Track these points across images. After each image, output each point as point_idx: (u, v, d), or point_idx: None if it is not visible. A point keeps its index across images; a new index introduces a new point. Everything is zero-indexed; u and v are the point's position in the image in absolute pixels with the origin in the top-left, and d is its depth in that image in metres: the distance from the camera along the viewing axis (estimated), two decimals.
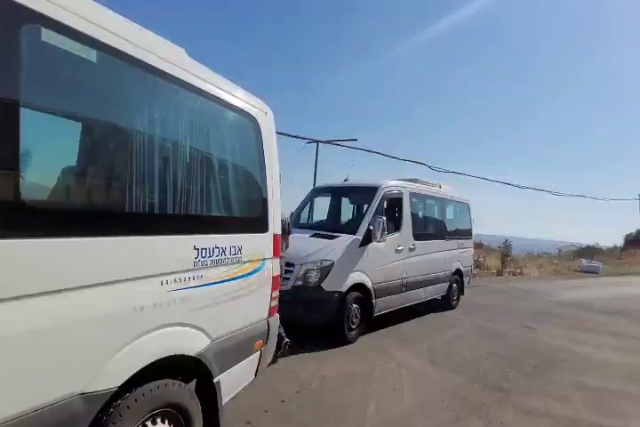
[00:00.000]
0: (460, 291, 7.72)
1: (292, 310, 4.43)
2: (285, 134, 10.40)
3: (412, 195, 6.10)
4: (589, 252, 36.99)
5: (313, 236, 5.07)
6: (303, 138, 10.81)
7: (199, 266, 1.86)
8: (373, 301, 5.05)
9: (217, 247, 1.97)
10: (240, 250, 2.15)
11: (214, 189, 2.06)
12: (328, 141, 11.83)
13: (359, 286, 4.82)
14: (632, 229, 45.86)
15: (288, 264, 4.56)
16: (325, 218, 6.39)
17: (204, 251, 1.87)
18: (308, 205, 6.34)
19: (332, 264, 4.50)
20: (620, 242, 45.61)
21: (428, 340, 5.23)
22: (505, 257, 17.10)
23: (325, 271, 4.46)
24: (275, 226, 2.52)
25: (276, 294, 2.59)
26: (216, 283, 1.96)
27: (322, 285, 4.43)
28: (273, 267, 2.51)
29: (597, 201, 30.57)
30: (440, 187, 7.34)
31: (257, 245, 2.35)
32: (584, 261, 26.62)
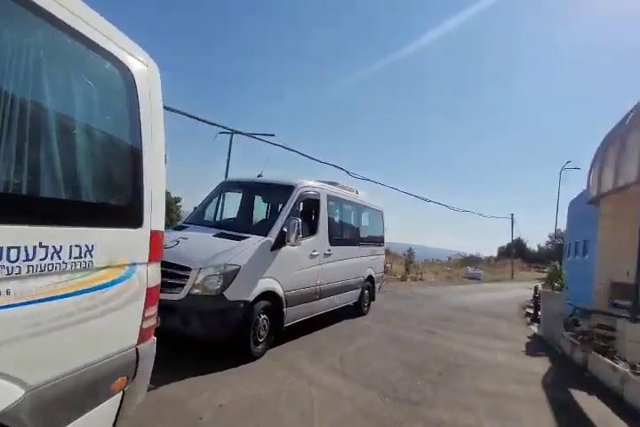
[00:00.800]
0: (371, 297, 7.70)
1: (185, 323, 3.71)
2: (201, 120, 9.33)
3: (330, 198, 5.82)
4: (472, 260, 42.35)
5: (218, 236, 4.39)
6: (218, 126, 9.86)
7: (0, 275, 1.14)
8: (285, 310, 4.55)
9: (42, 246, 1.27)
10: (90, 251, 1.45)
11: (46, 157, 1.36)
12: (243, 133, 11.06)
13: (269, 294, 4.28)
14: (504, 243, 54.03)
15: (182, 268, 3.82)
16: (234, 216, 5.73)
17: (11, 251, 1.17)
18: (216, 201, 5.60)
19: (239, 269, 3.89)
20: (494, 253, 53.36)
21: (340, 350, 4.92)
22: (409, 264, 18.25)
23: (230, 277, 3.83)
24: (155, 219, 1.85)
25: (153, 311, 1.92)
26: (38, 301, 1.25)
27: (225, 293, 3.78)
28: (149, 275, 1.84)
29: (481, 217, 35.32)
30: (357, 193, 7.26)
31: (122, 244, 1.66)
32: (469, 269, 30.17)
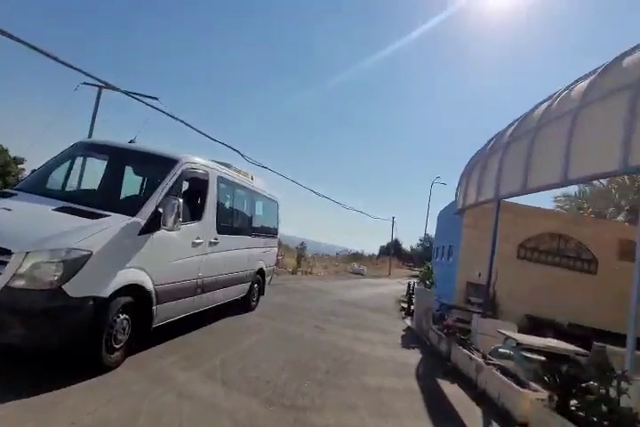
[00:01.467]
0: (261, 291, 7.21)
1: (1, 327, 2.66)
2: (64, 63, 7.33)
3: (222, 180, 5.12)
4: (357, 257, 45.64)
5: (60, 210, 3.31)
6: (85, 74, 7.92)
7: None
8: (154, 307, 3.71)
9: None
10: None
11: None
12: (115, 88, 9.22)
13: (133, 288, 3.42)
14: (384, 242, 59.78)
15: None
16: (90, 188, 4.56)
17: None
18: (66, 166, 4.33)
19: (89, 256, 2.94)
20: (376, 251, 58.64)
21: (222, 353, 4.29)
22: (300, 257, 18.34)
23: (74, 267, 2.86)
24: None
25: None
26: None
27: (65, 287, 2.81)
28: None
29: (368, 217, 38.28)
30: (252, 179, 6.69)
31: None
32: (355, 265, 32.24)
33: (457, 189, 9.69)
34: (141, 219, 3.51)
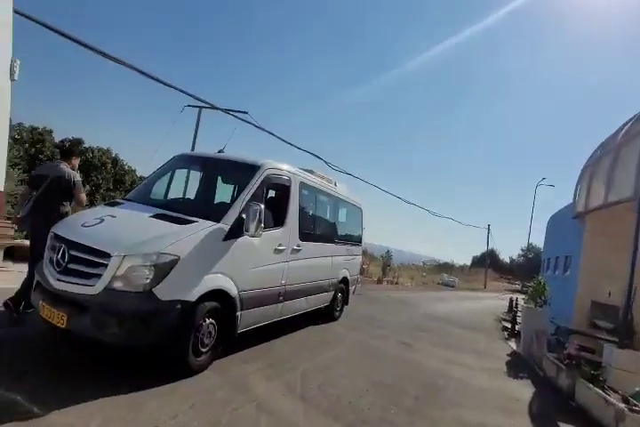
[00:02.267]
0: (345, 301, 6.97)
1: (100, 326, 2.85)
2: (170, 85, 8.27)
3: (304, 186, 5.05)
4: (446, 267, 42.62)
5: (156, 216, 3.51)
6: (187, 94, 8.78)
7: None
8: (238, 313, 3.73)
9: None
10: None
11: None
12: (212, 107, 10.05)
13: (218, 294, 3.46)
14: (478, 252, 54.85)
15: (100, 254, 2.96)
16: (183, 196, 4.85)
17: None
18: (166, 177, 4.69)
19: (177, 261, 3.04)
20: (468, 261, 54.09)
21: (303, 364, 4.14)
22: (386, 266, 17.69)
23: (164, 270, 2.98)
24: None
25: None
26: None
27: (155, 290, 2.93)
28: None
29: (459, 225, 35.46)
30: (335, 184, 6.52)
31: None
32: (445, 276, 30.07)
33: (576, 188, 8.21)
34: (225, 225, 3.55)
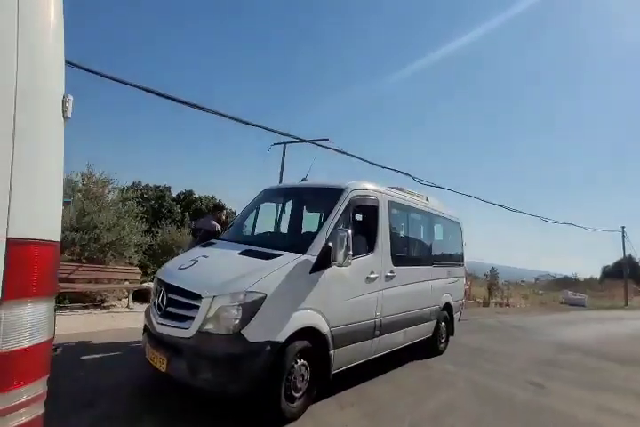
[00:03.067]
0: (450, 331, 6.13)
1: (193, 370, 2.77)
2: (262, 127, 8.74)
3: (393, 205, 4.60)
4: (568, 282, 36.38)
5: (243, 253, 3.44)
6: (271, 130, 9.12)
7: None
8: (331, 352, 3.40)
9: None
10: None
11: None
12: (295, 141, 10.30)
13: (309, 332, 3.18)
14: (609, 261, 45.86)
15: (192, 296, 2.93)
16: (269, 230, 4.79)
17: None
18: (255, 214, 4.72)
19: (263, 299, 2.86)
20: (596, 273, 45.47)
21: (408, 412, 3.57)
22: (492, 286, 15.74)
23: (251, 310, 2.82)
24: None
25: None
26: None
27: (244, 332, 2.77)
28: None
29: (581, 231, 30.06)
30: (427, 200, 5.91)
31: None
32: (569, 293, 25.61)
33: None
34: (311, 256, 3.30)
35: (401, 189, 5.22)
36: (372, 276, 3.95)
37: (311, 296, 3.23)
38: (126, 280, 7.64)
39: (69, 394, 3.11)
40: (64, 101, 1.32)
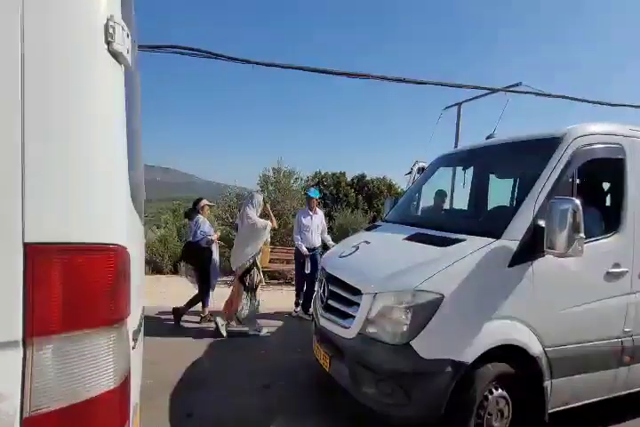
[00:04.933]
0: None
1: (355, 380, 2.26)
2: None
3: None
4: None
5: (409, 238, 2.63)
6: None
7: None
8: (547, 383, 2.28)
9: None
10: None
11: None
12: (484, 92, 8.14)
13: (510, 351, 2.19)
14: None
15: (352, 290, 2.38)
16: (445, 207, 3.72)
17: None
18: (426, 189, 3.70)
19: (440, 301, 2.03)
20: None
21: None
22: None
23: (422, 315, 2.04)
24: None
25: None
26: None
27: (413, 343, 2.04)
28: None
29: None
30: None
31: None
32: None
33: None
34: (510, 240, 2.21)
35: None
36: (616, 270, 2.50)
37: (512, 300, 2.18)
38: None
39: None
40: (107, 28, 0.78)
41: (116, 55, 0.80)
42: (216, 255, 4.79)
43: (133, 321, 1.02)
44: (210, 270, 4.66)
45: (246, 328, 4.39)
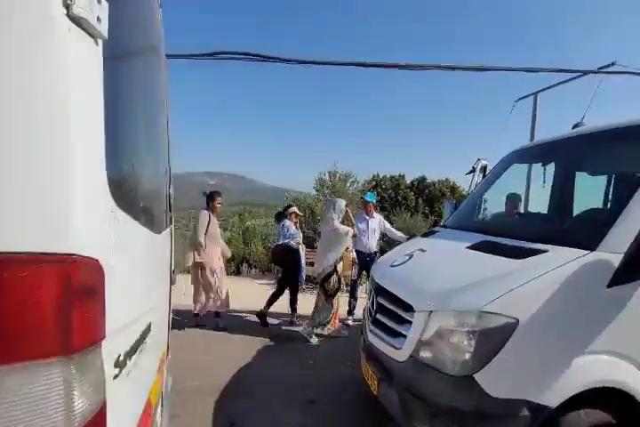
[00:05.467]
0: None
1: (405, 411, 1.97)
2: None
3: None
4: None
5: (474, 247, 2.24)
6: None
7: None
8: None
9: None
10: None
11: None
12: (556, 84, 7.14)
13: (609, 395, 1.71)
14: None
15: (402, 305, 2.08)
16: (519, 211, 3.17)
17: None
18: (496, 190, 3.19)
19: (514, 327, 1.65)
20: None
21: None
22: None
23: (490, 343, 1.68)
24: None
25: None
26: None
27: (477, 377, 1.68)
28: None
29: None
30: None
31: None
32: None
33: None
34: (610, 253, 1.74)
35: None
36: None
37: (611, 330, 1.71)
38: None
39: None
40: None
41: (80, 23, 0.61)
42: (303, 258, 5.02)
43: (127, 341, 0.87)
44: (300, 271, 4.89)
45: (301, 327, 4.53)
